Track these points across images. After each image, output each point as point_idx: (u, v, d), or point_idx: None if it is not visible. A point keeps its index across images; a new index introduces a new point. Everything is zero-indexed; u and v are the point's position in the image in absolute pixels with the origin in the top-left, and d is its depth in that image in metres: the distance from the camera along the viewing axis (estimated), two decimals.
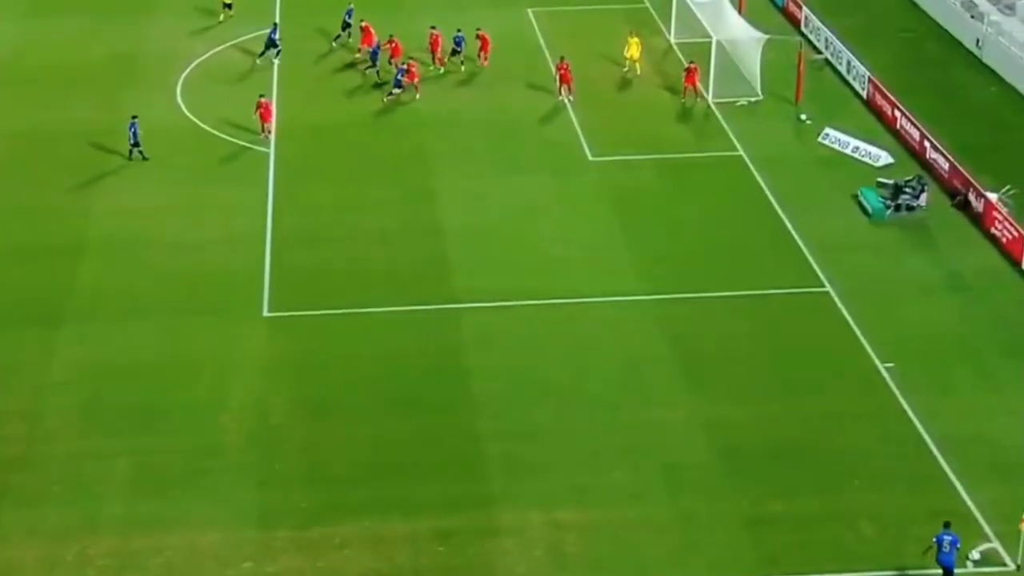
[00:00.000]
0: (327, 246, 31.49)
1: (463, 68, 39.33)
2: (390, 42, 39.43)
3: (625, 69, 40.12)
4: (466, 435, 25.18)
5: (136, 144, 34.87)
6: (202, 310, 29.06)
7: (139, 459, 24.57)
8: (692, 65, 38.93)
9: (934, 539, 21.44)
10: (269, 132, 36.44)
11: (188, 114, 38.20)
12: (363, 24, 40.79)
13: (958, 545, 21.48)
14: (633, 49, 40.19)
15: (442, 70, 39.78)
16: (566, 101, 37.62)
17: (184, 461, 24.56)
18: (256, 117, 36.41)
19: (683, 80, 38.91)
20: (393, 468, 24.47)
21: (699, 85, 38.66)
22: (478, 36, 41.03)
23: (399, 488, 23.97)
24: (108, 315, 28.85)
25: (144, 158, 34.93)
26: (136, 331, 28.27)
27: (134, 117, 35.34)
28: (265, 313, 28.94)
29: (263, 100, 36.56)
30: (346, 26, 40.70)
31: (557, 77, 38.15)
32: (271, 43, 40.51)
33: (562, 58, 38.14)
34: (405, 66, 38.21)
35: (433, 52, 39.59)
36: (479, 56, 40.44)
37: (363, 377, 26.89)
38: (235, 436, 25.18)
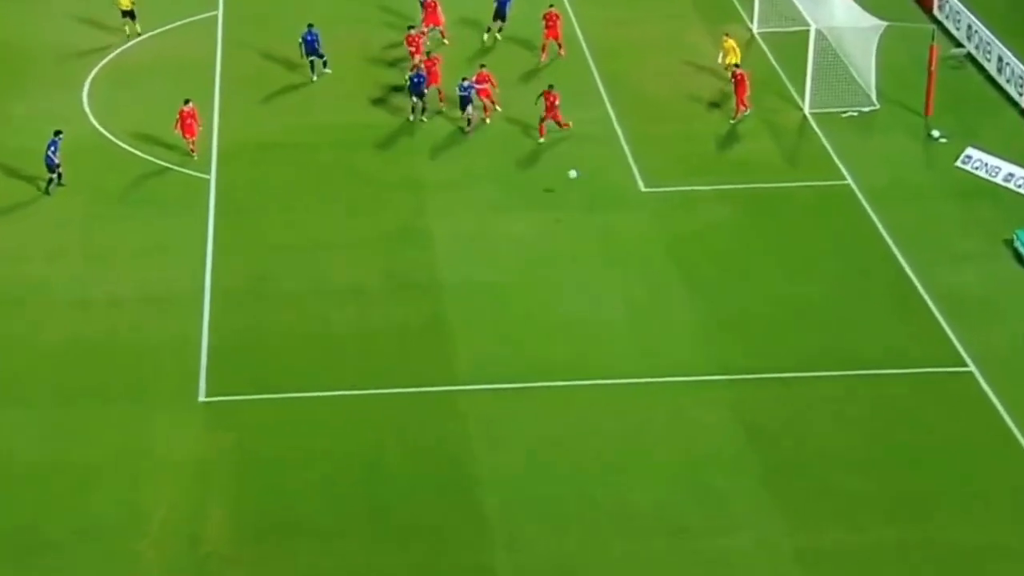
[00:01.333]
0: (284, 305, 32.14)
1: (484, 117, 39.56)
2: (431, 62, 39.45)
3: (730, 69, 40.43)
4: (475, 571, 25.54)
5: (55, 168, 35.60)
6: (112, 395, 29.51)
7: None
8: (739, 72, 39.23)
9: None
10: (194, 148, 37.39)
11: (97, 126, 39.28)
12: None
13: None
14: (731, 55, 40.78)
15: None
16: (540, 142, 38.22)
17: None
18: (177, 131, 37.38)
19: (734, 90, 39.10)
20: None
21: (746, 98, 38.98)
22: (546, 16, 42.05)
23: None
24: None
25: (59, 181, 35.88)
26: (17, 425, 28.68)
27: (56, 133, 36.12)
28: (201, 398, 29.47)
29: (185, 108, 37.45)
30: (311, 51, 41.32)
31: (543, 109, 38.27)
32: (311, 50, 40.95)
33: (550, 87, 38.52)
34: (470, 81, 38.42)
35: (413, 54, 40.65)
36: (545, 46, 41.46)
37: (330, 488, 27.25)
38: (154, 571, 25.59)
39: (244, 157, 37.86)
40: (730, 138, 38.80)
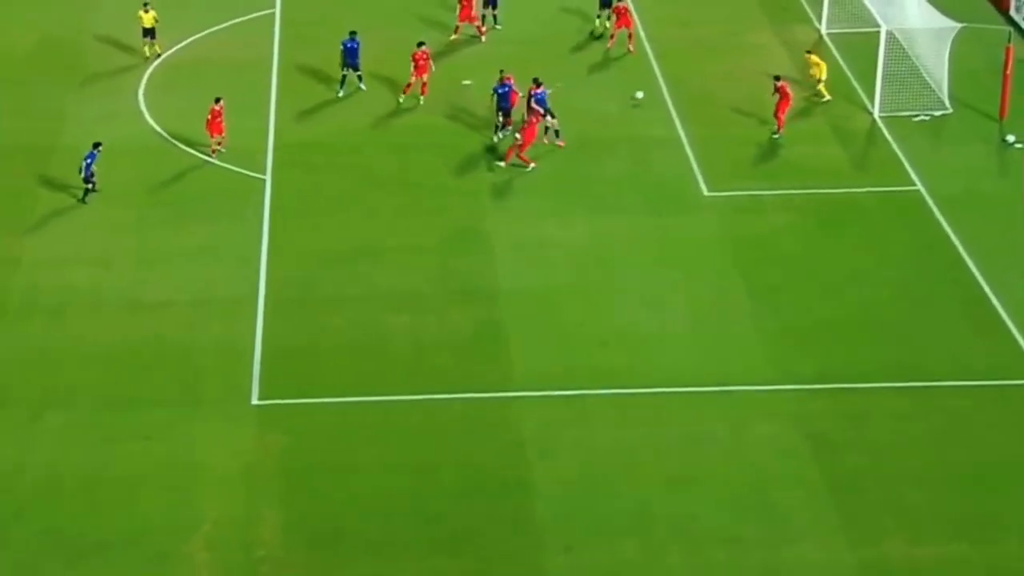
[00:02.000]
0: (338, 311, 32.52)
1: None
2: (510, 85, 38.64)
3: (824, 98, 40.29)
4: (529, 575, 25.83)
5: (91, 180, 36.01)
6: (164, 398, 29.95)
7: None
8: (781, 83, 38.64)
9: None
10: (219, 147, 37.74)
11: (154, 125, 39.97)
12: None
13: None
14: (816, 69, 40.46)
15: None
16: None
17: None
18: (207, 130, 37.73)
19: (774, 103, 38.41)
20: None
21: (786, 113, 38.50)
22: (615, 10, 42.46)
23: None
24: (26, 404, 29.79)
25: (94, 190, 36.44)
26: (65, 428, 29.12)
27: (95, 145, 36.56)
28: (253, 402, 29.86)
29: (216, 106, 37.86)
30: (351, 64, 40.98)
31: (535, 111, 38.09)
32: (350, 60, 40.37)
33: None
34: (540, 92, 37.60)
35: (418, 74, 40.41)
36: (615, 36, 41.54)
37: (384, 493, 27.55)
38: (207, 574, 26.09)
39: (300, 158, 38.35)
40: (796, 142, 38.78)
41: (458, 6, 43.68)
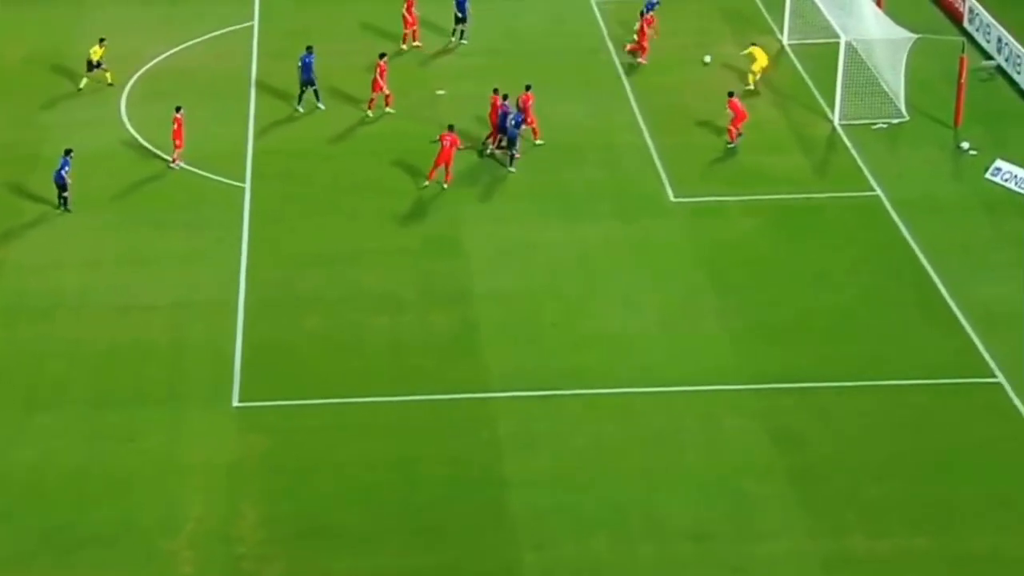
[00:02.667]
0: (317, 313, 32.53)
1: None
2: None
3: (748, 86, 41.02)
4: (503, 572, 25.79)
5: (66, 187, 35.62)
6: (148, 399, 29.92)
7: None
8: (731, 99, 38.70)
9: None
10: (178, 159, 37.53)
11: (135, 134, 39.86)
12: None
13: None
14: (753, 60, 41.23)
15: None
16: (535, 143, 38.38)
17: None
18: (173, 141, 37.52)
19: (730, 116, 38.55)
20: None
21: (739, 126, 38.63)
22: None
23: None
24: (15, 405, 29.67)
25: (66, 209, 35.98)
26: (56, 428, 29.06)
27: (67, 152, 36.41)
28: (234, 403, 29.88)
29: (177, 115, 37.72)
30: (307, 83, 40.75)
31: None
32: (306, 76, 39.94)
33: (527, 87, 38.82)
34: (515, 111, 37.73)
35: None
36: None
37: (364, 491, 27.58)
38: (189, 571, 25.99)
39: (278, 166, 38.29)
40: (759, 149, 38.99)
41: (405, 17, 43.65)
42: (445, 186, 36.85)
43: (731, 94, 39.37)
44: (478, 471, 27.95)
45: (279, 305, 32.78)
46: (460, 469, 28.01)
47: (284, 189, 37.39)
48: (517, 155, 37.55)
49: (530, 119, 38.62)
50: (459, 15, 43.90)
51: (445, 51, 44.12)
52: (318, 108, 40.52)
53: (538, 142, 38.83)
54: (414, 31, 43.86)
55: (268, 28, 45.43)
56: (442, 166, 36.81)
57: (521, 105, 38.51)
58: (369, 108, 40.40)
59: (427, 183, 36.80)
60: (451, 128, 37.04)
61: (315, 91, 40.49)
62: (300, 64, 40.33)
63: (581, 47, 44.45)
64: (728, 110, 38.95)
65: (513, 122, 37.28)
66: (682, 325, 32.00)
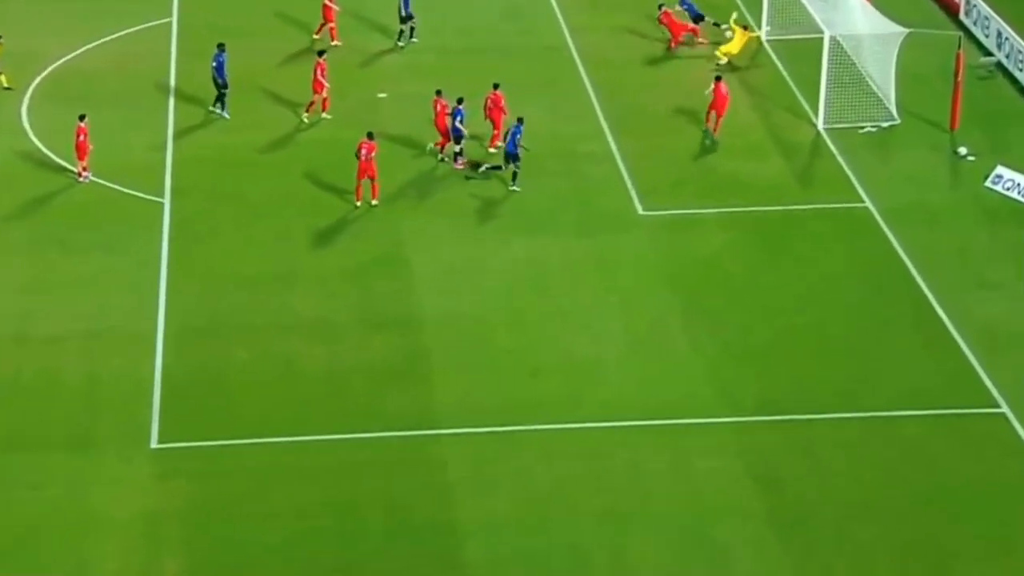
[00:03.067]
0: (246, 342, 32.57)
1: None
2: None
3: (720, 61, 41.91)
4: None
5: None
6: (54, 441, 29.78)
7: None
8: (717, 84, 39.69)
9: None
10: (86, 172, 37.51)
11: (38, 144, 39.73)
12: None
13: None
14: (736, 42, 42.29)
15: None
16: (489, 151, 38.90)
17: None
18: (76, 153, 37.45)
19: (708, 103, 39.72)
20: None
21: (717, 116, 39.63)
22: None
23: None
24: None
25: None
26: None
27: None
28: (152, 444, 29.84)
29: (81, 124, 37.67)
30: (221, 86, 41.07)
31: (485, 112, 38.85)
32: (218, 77, 40.41)
33: (495, 86, 39.23)
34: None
35: None
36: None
37: (297, 542, 27.55)
38: None
39: (201, 179, 38.39)
40: (736, 156, 39.45)
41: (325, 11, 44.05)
42: (373, 203, 36.97)
43: (719, 78, 40.02)
44: (425, 517, 28.03)
45: (203, 334, 32.83)
46: (405, 515, 28.09)
47: (208, 204, 37.45)
48: (518, 170, 37.63)
49: (499, 121, 38.98)
50: (403, 14, 44.19)
51: (389, 49, 44.40)
52: (222, 117, 40.62)
53: (492, 150, 39.14)
54: (331, 28, 44.09)
55: (189, 25, 45.53)
56: (365, 179, 36.86)
57: (490, 106, 38.88)
58: (307, 112, 40.60)
59: (358, 204, 36.91)
60: (370, 136, 37.10)
61: (221, 95, 40.59)
62: (213, 64, 40.50)
63: (539, 44, 44.83)
64: (710, 93, 39.49)
65: (511, 138, 37.46)
66: (651, 352, 32.27)
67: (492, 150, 39.15)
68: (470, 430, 29.94)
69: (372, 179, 36.83)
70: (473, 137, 39.22)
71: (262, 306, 33.64)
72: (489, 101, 39.05)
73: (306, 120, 40.51)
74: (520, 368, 31.67)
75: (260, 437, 29.83)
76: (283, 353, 32.16)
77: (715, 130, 39.72)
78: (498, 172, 38.02)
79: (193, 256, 35.38)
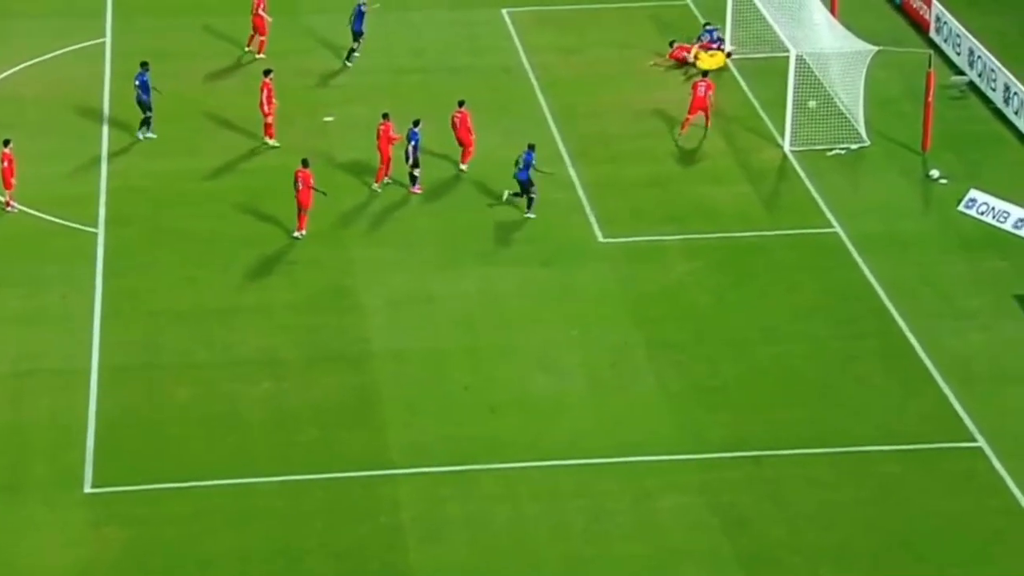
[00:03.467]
0: (184, 381, 32.53)
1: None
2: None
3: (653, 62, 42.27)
4: None
5: None
6: None
7: None
8: (703, 81, 40.85)
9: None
10: (12, 201, 37.48)
11: None
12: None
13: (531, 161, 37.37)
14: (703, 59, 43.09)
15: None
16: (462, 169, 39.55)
17: None
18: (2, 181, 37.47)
19: (690, 101, 40.74)
20: None
21: (695, 115, 40.65)
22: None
23: None
24: None
25: None
26: None
27: None
28: (87, 489, 29.70)
29: (6, 150, 37.67)
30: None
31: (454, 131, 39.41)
32: (141, 98, 40.41)
33: (460, 104, 39.64)
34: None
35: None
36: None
37: None
38: None
39: (138, 208, 38.41)
40: (699, 181, 39.77)
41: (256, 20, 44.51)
42: (296, 235, 36.94)
43: (705, 73, 40.69)
44: (377, 564, 28.04)
45: (139, 372, 32.79)
46: (355, 562, 28.09)
47: (145, 235, 37.47)
48: (535, 197, 38.18)
49: (469, 141, 39.31)
50: (355, 29, 44.44)
51: (337, 70, 44.57)
52: (148, 138, 40.79)
53: (463, 167, 39.50)
54: (261, 41, 44.44)
55: (124, 45, 45.54)
56: (307, 206, 36.86)
57: (457, 125, 39.18)
58: (267, 136, 40.74)
59: (297, 234, 37.03)
60: (305, 164, 37.17)
61: (146, 118, 40.78)
62: (136, 84, 40.59)
63: (493, 65, 45.14)
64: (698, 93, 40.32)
65: (523, 165, 37.82)
66: (612, 387, 32.46)
67: (463, 168, 39.50)
68: (424, 470, 30.01)
69: (303, 209, 36.83)
70: (443, 157, 39.41)
71: (203, 342, 33.67)
72: (456, 120, 39.43)
73: (272, 144, 40.62)
74: (476, 405, 31.81)
75: (201, 480, 29.79)
76: (225, 392, 32.17)
77: (683, 129, 40.79)
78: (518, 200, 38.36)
79: (129, 290, 35.37)
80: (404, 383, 32.41)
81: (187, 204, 38.71)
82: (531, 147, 38.10)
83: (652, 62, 44.52)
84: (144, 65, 40.70)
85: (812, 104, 39.97)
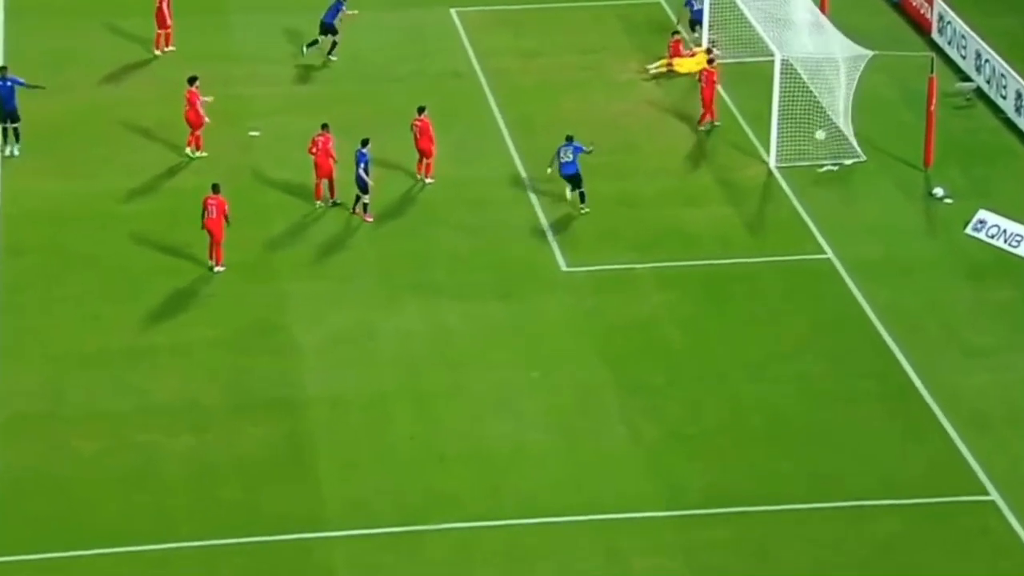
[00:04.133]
0: (92, 432, 32.33)
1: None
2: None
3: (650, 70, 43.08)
4: None
5: None
6: None
7: None
8: (711, 68, 41.74)
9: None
10: None
11: None
12: None
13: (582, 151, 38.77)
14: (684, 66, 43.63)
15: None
16: (424, 182, 40.00)
17: None
18: None
19: (701, 91, 41.54)
20: None
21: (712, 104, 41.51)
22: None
23: None
24: None
25: None
26: None
27: None
28: None
29: None
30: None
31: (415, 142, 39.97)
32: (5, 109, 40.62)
33: (420, 110, 39.99)
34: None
35: None
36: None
37: None
38: None
39: (38, 236, 38.33)
40: (675, 201, 39.93)
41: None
42: (216, 269, 36.98)
43: (711, 62, 42.03)
44: None
45: (40, 423, 32.61)
46: None
47: (46, 266, 37.38)
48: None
49: (430, 151, 39.64)
50: (326, 22, 44.84)
51: (267, 78, 44.45)
52: (12, 156, 40.81)
53: (428, 180, 39.79)
54: (167, 34, 45.01)
55: (17, 55, 45.38)
56: (222, 237, 36.86)
57: (417, 134, 39.49)
58: (197, 148, 40.79)
59: (217, 269, 36.99)
60: (215, 189, 37.16)
61: (16, 128, 40.91)
62: None
63: (441, 70, 45.30)
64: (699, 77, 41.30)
65: (571, 156, 38.63)
66: (579, 435, 32.40)
67: (429, 181, 39.48)
68: (364, 531, 29.90)
69: (216, 242, 36.85)
70: (387, 175, 39.43)
71: (114, 388, 33.52)
72: (416, 128, 39.59)
73: (197, 155, 40.76)
74: (424, 456, 31.70)
75: (114, 546, 29.58)
76: (140, 444, 32.00)
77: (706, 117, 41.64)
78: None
79: (29, 329, 35.23)
80: (342, 432, 32.32)
81: (92, 229, 38.65)
82: (570, 138, 38.84)
83: (653, 67, 44.49)
84: (3, 69, 40.76)
85: (821, 135, 40.08)
